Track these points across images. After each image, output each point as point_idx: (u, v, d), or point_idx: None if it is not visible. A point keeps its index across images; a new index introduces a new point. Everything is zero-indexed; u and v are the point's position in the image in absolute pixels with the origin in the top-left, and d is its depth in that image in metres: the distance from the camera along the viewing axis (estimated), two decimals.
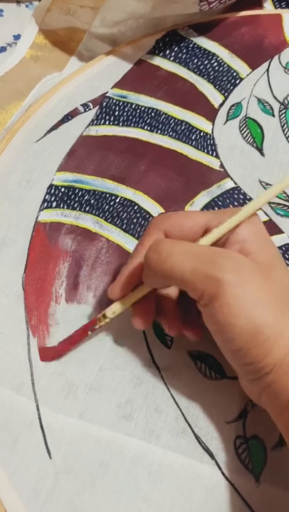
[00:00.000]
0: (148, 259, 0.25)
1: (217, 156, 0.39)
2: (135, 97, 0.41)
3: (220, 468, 0.28)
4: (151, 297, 0.29)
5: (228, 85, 0.42)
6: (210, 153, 0.39)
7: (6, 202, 0.36)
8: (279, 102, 0.41)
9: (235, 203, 0.37)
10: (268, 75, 0.43)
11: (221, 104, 0.41)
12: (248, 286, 0.23)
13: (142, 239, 0.28)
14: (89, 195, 0.36)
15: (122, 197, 0.36)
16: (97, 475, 0.28)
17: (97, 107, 0.40)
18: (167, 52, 0.44)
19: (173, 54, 0.44)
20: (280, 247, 0.35)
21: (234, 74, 0.43)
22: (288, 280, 0.25)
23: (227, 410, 0.29)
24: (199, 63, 0.43)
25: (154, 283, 0.27)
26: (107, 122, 0.40)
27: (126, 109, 0.40)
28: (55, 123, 0.39)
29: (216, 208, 0.36)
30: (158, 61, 0.43)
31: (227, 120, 0.41)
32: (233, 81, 0.42)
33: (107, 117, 0.40)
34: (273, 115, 0.41)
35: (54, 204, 0.36)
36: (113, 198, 0.36)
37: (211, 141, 0.39)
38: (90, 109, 0.40)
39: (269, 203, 0.36)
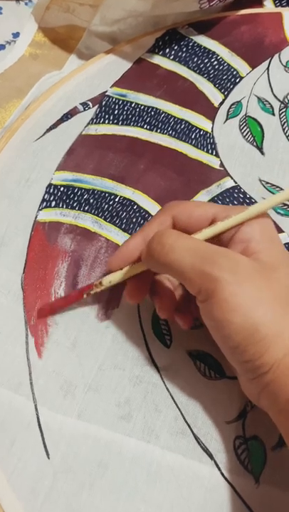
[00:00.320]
0: (150, 249, 0.26)
1: (217, 155, 0.39)
2: (135, 96, 0.41)
3: (219, 469, 0.28)
4: (147, 275, 0.29)
5: (228, 84, 0.42)
6: (210, 152, 0.39)
7: (5, 201, 0.35)
8: (279, 100, 0.41)
9: (235, 202, 0.36)
10: (268, 73, 0.43)
11: (221, 103, 0.41)
12: (247, 285, 0.23)
13: (150, 219, 0.29)
14: (88, 195, 0.36)
15: (121, 196, 0.36)
16: (95, 475, 0.27)
17: (96, 106, 0.40)
18: (167, 50, 0.43)
19: (173, 52, 0.43)
20: None
21: (234, 72, 0.43)
22: None
23: (226, 410, 0.29)
24: (199, 62, 0.43)
25: (153, 269, 0.28)
26: (107, 121, 0.40)
27: (125, 108, 0.40)
28: (55, 122, 0.39)
29: None
30: (158, 60, 0.43)
31: (227, 119, 0.40)
32: (233, 80, 0.42)
33: (107, 116, 0.40)
34: (273, 114, 0.41)
35: (53, 203, 0.36)
36: (112, 197, 0.36)
37: (211, 140, 0.39)
38: (89, 107, 0.40)
39: None
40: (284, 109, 0.41)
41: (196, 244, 0.25)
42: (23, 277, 0.33)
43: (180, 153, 0.38)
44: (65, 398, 0.29)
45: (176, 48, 0.44)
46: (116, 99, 0.41)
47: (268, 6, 0.48)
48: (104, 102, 0.40)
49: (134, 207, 0.36)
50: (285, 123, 0.40)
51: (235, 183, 0.37)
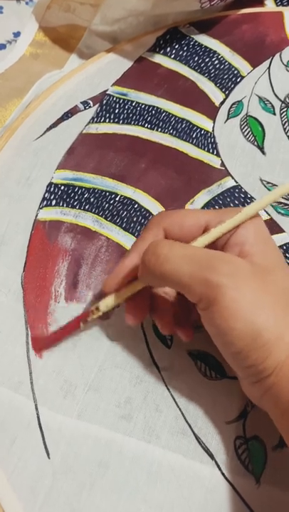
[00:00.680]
0: (145, 261, 0.25)
1: (218, 155, 0.38)
2: (135, 95, 0.41)
3: (220, 469, 0.28)
4: (146, 293, 0.28)
5: (229, 83, 0.42)
6: (211, 151, 0.39)
7: (6, 200, 0.35)
8: (280, 100, 0.41)
9: (236, 202, 0.36)
10: (269, 73, 0.42)
11: (222, 102, 0.41)
12: (246, 289, 0.23)
13: (142, 234, 0.28)
14: (89, 194, 0.36)
15: (122, 195, 0.36)
16: (96, 475, 0.27)
17: (97, 105, 0.40)
18: (168, 49, 0.43)
19: (174, 52, 0.43)
20: (280, 246, 0.35)
21: (235, 72, 0.42)
22: (288, 282, 0.25)
23: (227, 410, 0.29)
24: (200, 61, 0.43)
25: (150, 283, 0.27)
26: (107, 120, 0.39)
27: (126, 107, 0.40)
28: (55, 121, 0.39)
29: (217, 207, 0.36)
30: (158, 59, 0.43)
31: (228, 118, 0.40)
32: (234, 79, 0.42)
33: (107, 115, 0.40)
34: (274, 113, 0.41)
35: (53, 202, 0.36)
36: (113, 196, 0.36)
37: (212, 140, 0.39)
38: (90, 106, 0.40)
39: None
40: (285, 109, 0.41)
41: (192, 250, 0.25)
42: (24, 276, 0.33)
43: (181, 153, 0.38)
44: (66, 398, 0.29)
45: (177, 47, 0.44)
46: (117, 98, 0.41)
47: (269, 5, 0.48)
48: (105, 101, 0.40)
49: (135, 206, 0.36)
50: (286, 122, 0.40)
51: (236, 182, 0.37)
